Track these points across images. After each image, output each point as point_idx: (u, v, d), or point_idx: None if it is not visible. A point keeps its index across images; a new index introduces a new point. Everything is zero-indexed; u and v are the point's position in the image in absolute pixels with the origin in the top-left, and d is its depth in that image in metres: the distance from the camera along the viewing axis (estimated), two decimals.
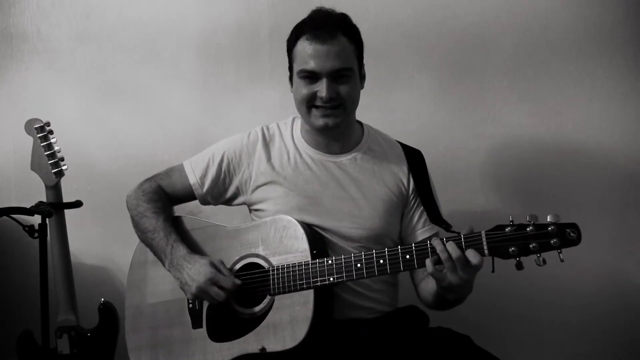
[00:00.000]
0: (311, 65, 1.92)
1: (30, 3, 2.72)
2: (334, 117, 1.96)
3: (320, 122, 1.96)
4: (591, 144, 2.54)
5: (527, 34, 2.55)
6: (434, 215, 2.03)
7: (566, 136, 2.55)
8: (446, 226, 1.96)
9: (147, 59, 2.70)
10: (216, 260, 1.93)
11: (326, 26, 1.93)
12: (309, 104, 1.97)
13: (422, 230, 2.06)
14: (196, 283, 1.89)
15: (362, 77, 2.06)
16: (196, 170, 2.11)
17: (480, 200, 2.57)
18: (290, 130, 2.12)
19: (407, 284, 2.12)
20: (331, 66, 1.92)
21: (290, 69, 2.04)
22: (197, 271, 1.90)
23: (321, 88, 1.93)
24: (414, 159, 2.10)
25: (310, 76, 1.94)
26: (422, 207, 2.05)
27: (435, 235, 2.05)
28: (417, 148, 2.15)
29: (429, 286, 1.95)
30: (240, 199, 2.12)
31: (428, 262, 1.72)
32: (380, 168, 2.06)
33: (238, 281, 1.90)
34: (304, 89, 1.96)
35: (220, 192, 2.12)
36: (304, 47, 1.94)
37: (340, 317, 1.92)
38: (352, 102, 2.00)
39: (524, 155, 2.56)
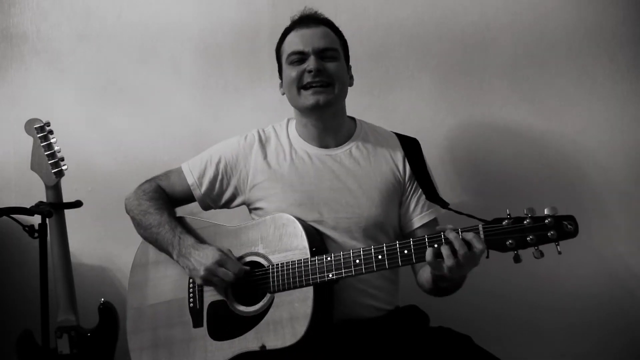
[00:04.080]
0: (299, 46, 2.02)
1: (30, 3, 2.73)
2: (325, 95, 2.00)
3: (311, 99, 2.01)
4: (591, 144, 2.54)
5: (527, 34, 2.56)
6: (431, 193, 2.04)
7: (566, 136, 2.55)
8: (443, 204, 1.99)
9: (147, 59, 2.70)
10: (224, 248, 1.95)
11: (311, 17, 2.08)
12: (299, 84, 2.02)
13: (420, 216, 2.07)
14: (204, 266, 1.91)
15: (350, 77, 2.13)
16: (194, 172, 2.13)
17: (480, 199, 2.57)
18: (285, 130, 2.15)
19: (406, 283, 2.12)
20: (317, 44, 2.01)
21: (280, 69, 2.11)
22: (205, 255, 1.93)
23: (309, 63, 2.00)
24: (410, 146, 2.12)
25: (298, 59, 2.02)
26: (419, 193, 2.07)
27: (434, 221, 2.06)
28: (412, 137, 2.16)
29: (425, 274, 1.96)
30: (239, 200, 2.14)
31: (428, 251, 1.72)
32: (376, 158, 2.08)
33: (245, 267, 1.93)
34: (293, 71, 2.02)
35: (219, 193, 2.13)
36: (291, 37, 2.06)
37: (340, 316, 1.92)
38: (341, 82, 2.04)
39: (524, 155, 2.56)
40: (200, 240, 2.03)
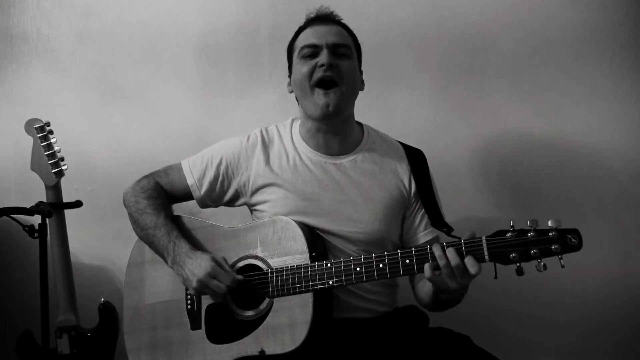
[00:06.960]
0: (312, 40, 1.99)
1: (30, 3, 2.73)
2: (334, 98, 1.95)
3: (322, 101, 1.94)
4: (591, 144, 2.54)
5: (527, 34, 2.55)
6: (436, 218, 2.01)
7: (566, 136, 2.55)
8: (447, 230, 1.94)
9: (147, 59, 2.70)
10: (219, 257, 1.92)
11: (328, 16, 2.06)
12: (311, 80, 1.96)
13: (423, 233, 2.05)
14: (197, 277, 1.88)
15: (362, 82, 2.10)
16: (194, 172, 2.10)
17: (481, 200, 2.57)
18: (289, 131, 2.11)
19: (406, 284, 2.12)
20: (331, 40, 1.98)
21: (290, 67, 2.08)
22: (198, 265, 1.90)
23: (322, 57, 1.96)
24: (416, 159, 2.09)
25: (311, 53, 1.98)
26: (423, 210, 2.04)
27: (437, 238, 2.04)
28: (417, 148, 2.14)
29: (425, 287, 1.94)
30: (241, 201, 2.11)
31: (427, 267, 1.72)
32: (381, 170, 2.05)
33: (239, 277, 1.90)
34: (305, 66, 1.98)
35: (219, 194, 2.11)
36: (306, 33, 2.03)
37: (339, 316, 1.92)
38: (350, 82, 1.99)
39: (524, 156, 2.56)
40: (196, 244, 2.02)
